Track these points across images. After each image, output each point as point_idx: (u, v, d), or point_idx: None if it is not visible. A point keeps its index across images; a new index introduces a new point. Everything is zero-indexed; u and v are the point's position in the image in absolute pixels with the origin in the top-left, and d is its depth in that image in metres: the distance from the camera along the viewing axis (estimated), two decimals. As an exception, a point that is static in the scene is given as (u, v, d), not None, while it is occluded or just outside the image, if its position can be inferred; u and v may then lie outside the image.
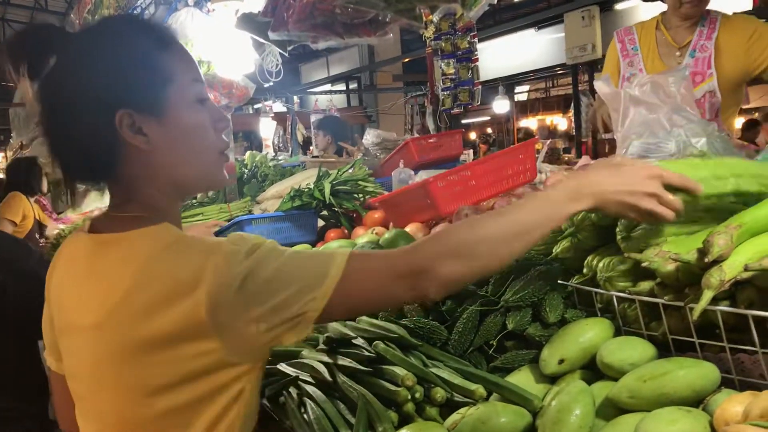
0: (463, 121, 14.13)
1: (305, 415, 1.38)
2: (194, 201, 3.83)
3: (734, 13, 2.83)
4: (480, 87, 5.49)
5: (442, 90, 5.51)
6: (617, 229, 1.34)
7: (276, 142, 12.01)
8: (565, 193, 1.13)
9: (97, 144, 1.11)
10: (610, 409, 1.16)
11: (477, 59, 5.46)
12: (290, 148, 11.37)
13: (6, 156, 13.84)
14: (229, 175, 4.13)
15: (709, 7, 2.69)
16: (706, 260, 1.11)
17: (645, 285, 1.30)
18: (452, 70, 5.37)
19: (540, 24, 11.11)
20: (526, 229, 1.10)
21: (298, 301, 1.04)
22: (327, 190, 2.60)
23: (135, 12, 3.28)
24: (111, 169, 1.14)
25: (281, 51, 2.99)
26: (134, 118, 1.10)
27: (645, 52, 2.83)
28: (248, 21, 2.81)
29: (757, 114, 10.30)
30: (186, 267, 1.04)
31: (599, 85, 2.40)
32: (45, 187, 5.99)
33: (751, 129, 9.22)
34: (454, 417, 1.23)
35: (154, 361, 1.05)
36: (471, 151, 6.48)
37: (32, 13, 15.66)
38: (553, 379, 1.31)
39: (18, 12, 15.70)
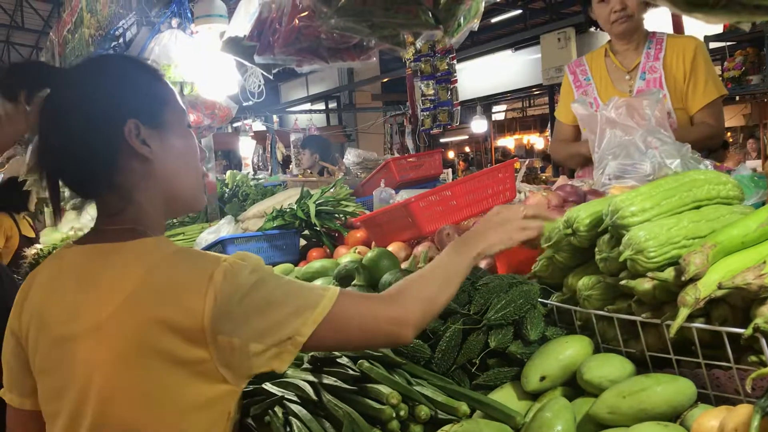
0: (442, 140, 14.26)
1: (291, 434, 1.39)
2: (175, 221, 3.83)
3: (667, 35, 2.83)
4: (459, 107, 5.57)
5: (422, 110, 5.58)
6: (596, 250, 1.37)
7: (255, 161, 12.00)
8: (466, 250, 1.36)
9: (103, 152, 1.18)
10: (591, 425, 1.18)
11: (456, 80, 5.54)
12: (270, 167, 11.37)
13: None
14: (209, 194, 4.14)
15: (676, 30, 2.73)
16: (683, 279, 1.14)
17: (623, 303, 1.33)
18: (431, 91, 5.45)
19: (517, 45, 11.29)
20: (455, 279, 1.31)
21: (290, 323, 1.10)
22: (312, 211, 2.62)
23: (117, 32, 3.29)
24: (112, 178, 1.19)
25: (266, 73, 3.02)
26: (140, 128, 1.18)
27: (597, 81, 2.86)
28: (234, 45, 2.85)
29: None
30: (195, 272, 1.09)
31: (576, 107, 2.46)
32: (32, 205, 5.81)
33: (719, 150, 9.38)
34: (439, 434, 1.25)
35: (150, 365, 1.08)
36: (450, 170, 6.56)
37: (9, 31, 15.57)
38: (534, 396, 1.34)
39: (-6, 30, 15.58)
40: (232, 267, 1.09)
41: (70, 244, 1.24)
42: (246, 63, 2.96)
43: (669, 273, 1.19)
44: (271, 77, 2.99)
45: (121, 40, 3.37)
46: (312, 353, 1.57)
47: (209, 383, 1.11)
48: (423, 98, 5.53)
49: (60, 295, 1.18)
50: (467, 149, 19.96)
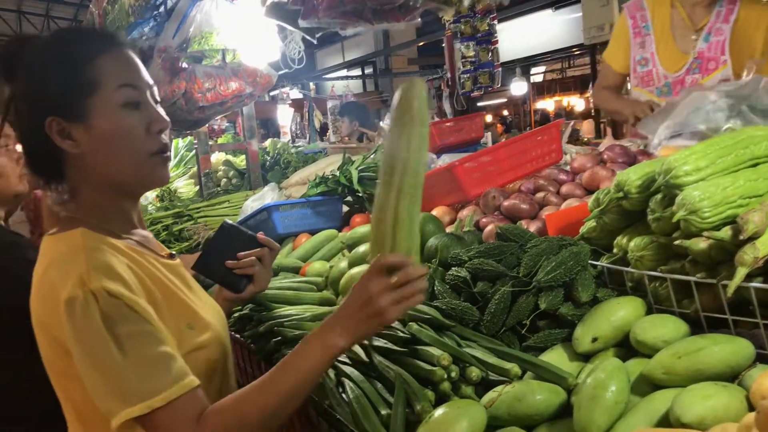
0: (479, 104, 14.06)
1: (344, 395, 1.41)
2: (219, 189, 3.88)
3: None
4: (500, 69, 5.48)
5: (462, 72, 5.50)
6: (648, 209, 1.35)
7: (293, 129, 12.02)
8: (331, 343, 1.16)
9: (38, 147, 1.25)
10: (645, 386, 1.18)
11: (497, 41, 5.44)
12: (308, 135, 11.39)
13: None
14: (252, 162, 4.12)
15: None
16: (741, 237, 1.12)
17: (676, 264, 1.31)
18: (472, 53, 5.36)
19: (557, 4, 11.00)
20: (298, 391, 1.16)
21: (104, 401, 1.11)
22: (355, 177, 2.62)
23: (158, 1, 3.30)
24: (57, 170, 1.27)
25: (309, 37, 3.00)
26: (63, 124, 1.22)
27: (658, 32, 2.65)
28: (277, 9, 2.84)
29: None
30: (57, 286, 1.14)
31: (637, 96, 2.34)
32: None
33: None
34: (491, 395, 1.26)
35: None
36: (489, 134, 6.47)
37: (48, 5, 15.73)
38: (586, 358, 1.34)
39: (34, 4, 15.76)
40: (83, 304, 1.10)
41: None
42: (288, 27, 2.94)
43: (726, 232, 1.17)
44: (315, 41, 2.97)
45: (161, 9, 3.38)
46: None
47: None
48: (463, 60, 5.44)
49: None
50: (505, 112, 19.68)
